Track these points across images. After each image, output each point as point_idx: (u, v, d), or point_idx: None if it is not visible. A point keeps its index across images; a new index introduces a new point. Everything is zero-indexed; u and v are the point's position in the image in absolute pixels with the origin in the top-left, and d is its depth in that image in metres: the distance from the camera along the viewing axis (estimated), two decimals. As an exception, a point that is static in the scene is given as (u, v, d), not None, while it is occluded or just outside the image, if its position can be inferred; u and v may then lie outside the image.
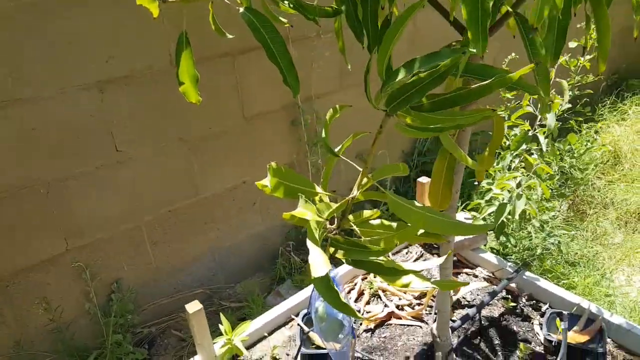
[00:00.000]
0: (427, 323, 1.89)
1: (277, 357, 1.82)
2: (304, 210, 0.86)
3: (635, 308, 2.05)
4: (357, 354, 1.72)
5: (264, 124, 2.43)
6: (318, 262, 0.77)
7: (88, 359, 2.05)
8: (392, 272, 0.91)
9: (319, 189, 1.02)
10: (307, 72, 2.50)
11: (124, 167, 2.05)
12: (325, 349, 1.76)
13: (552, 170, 1.87)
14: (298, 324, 1.88)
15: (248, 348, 1.88)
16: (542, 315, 1.89)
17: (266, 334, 1.93)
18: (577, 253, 2.45)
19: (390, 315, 1.96)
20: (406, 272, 0.91)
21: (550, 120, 1.87)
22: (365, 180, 1.02)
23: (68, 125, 1.85)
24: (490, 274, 2.20)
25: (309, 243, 0.84)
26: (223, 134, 2.30)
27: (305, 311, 1.94)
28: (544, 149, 1.86)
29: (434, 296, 2.01)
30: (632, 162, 3.55)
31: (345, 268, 2.16)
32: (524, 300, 2.01)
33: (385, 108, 0.91)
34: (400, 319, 1.94)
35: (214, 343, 1.75)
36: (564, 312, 1.79)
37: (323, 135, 1.07)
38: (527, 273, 2.08)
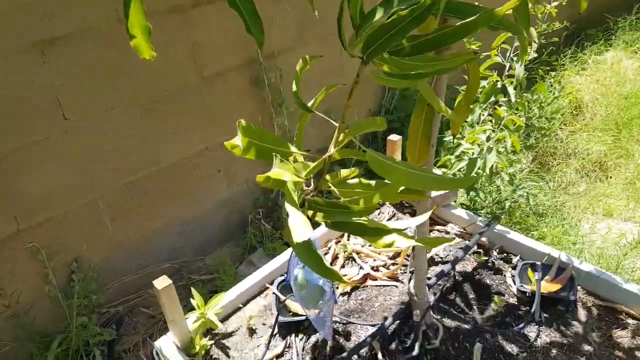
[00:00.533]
0: (402, 282, 1.90)
1: (254, 327, 1.79)
2: (280, 171, 0.79)
3: (602, 255, 2.12)
4: (335, 318, 1.70)
5: (224, 83, 2.31)
6: (299, 226, 0.72)
7: (52, 344, 1.96)
8: (376, 232, 0.86)
9: (293, 149, 0.96)
10: (268, 27, 2.37)
11: (74, 137, 1.90)
12: (303, 315, 1.73)
13: (522, 122, 1.87)
14: (273, 293, 1.85)
15: (222, 321, 1.83)
16: (513, 268, 1.93)
17: (241, 305, 1.88)
18: (544, 204, 2.51)
19: (366, 277, 1.95)
20: (390, 231, 0.87)
21: (519, 70, 1.85)
22: (342, 136, 0.96)
23: (6, 94, 1.68)
24: (462, 230, 2.22)
25: (287, 206, 0.78)
26: (179, 95, 2.16)
27: (280, 279, 1.90)
28: (513, 99, 1.85)
29: (408, 255, 2.01)
30: (592, 111, 3.64)
31: (319, 231, 2.12)
32: (495, 253, 2.04)
33: (362, 54, 0.84)
34: (376, 280, 1.94)
35: (186, 318, 1.69)
36: (535, 262, 1.83)
37: (294, 88, 1.00)
38: (498, 226, 2.10)
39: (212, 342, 1.74)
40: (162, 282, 1.58)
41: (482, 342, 1.56)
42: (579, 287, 1.79)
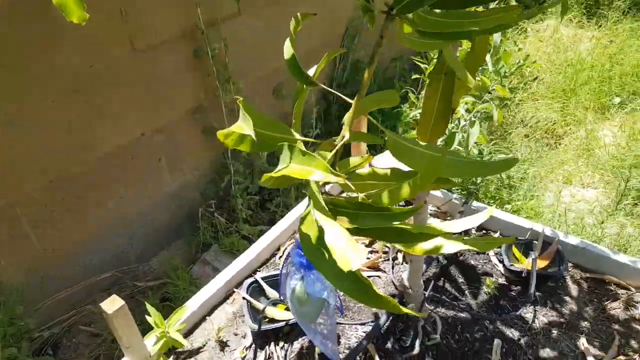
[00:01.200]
0: (385, 272, 1.77)
1: (224, 339, 1.58)
2: (304, 167, 0.59)
3: (581, 225, 2.13)
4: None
5: (161, 56, 2.01)
6: (345, 247, 0.53)
7: (-28, 386, 1.63)
8: (419, 238, 0.70)
9: (297, 135, 0.76)
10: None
11: (-24, 131, 1.55)
12: (280, 321, 1.55)
13: (506, 92, 1.78)
14: (243, 298, 1.64)
15: (186, 336, 1.60)
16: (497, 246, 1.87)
17: (205, 315, 1.66)
18: (513, 176, 2.48)
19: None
20: (435, 234, 0.71)
21: (496, 38, 1.74)
22: (353, 120, 0.77)
23: None
24: (437, 209, 2.13)
25: (317, 216, 0.59)
26: (108, 73, 1.85)
27: (249, 281, 1.70)
28: (491, 68, 1.75)
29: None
30: (538, 80, 3.71)
31: (285, 223, 1.93)
32: (474, 231, 1.97)
33: (393, 6, 0.66)
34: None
35: (145, 340, 1.45)
36: (532, 240, 1.77)
37: (289, 53, 0.79)
38: (475, 203, 2.04)
39: (178, 363, 1.51)
40: (112, 305, 1.32)
41: (481, 330, 1.47)
42: (564, 261, 1.76)
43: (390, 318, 1.49)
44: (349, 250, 0.53)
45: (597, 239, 2.02)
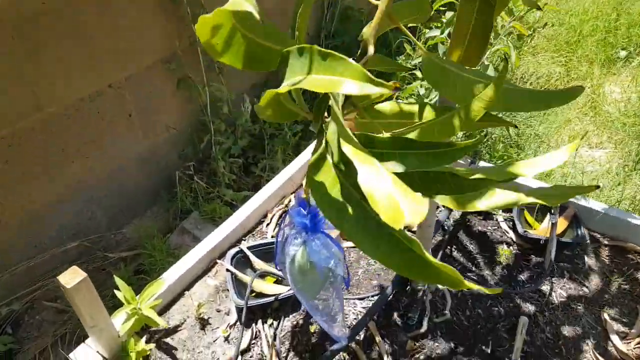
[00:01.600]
0: (384, 239, 1.61)
1: (205, 317, 1.42)
2: (333, 78, 0.41)
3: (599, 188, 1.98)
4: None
5: (128, -2, 1.76)
6: (396, 193, 0.36)
7: None
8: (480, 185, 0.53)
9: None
10: None
11: None
12: (269, 296, 1.39)
13: (525, 31, 1.58)
14: (227, 270, 1.47)
15: (162, 313, 1.44)
16: (504, 210, 1.72)
17: (184, 290, 1.49)
18: (522, 133, 2.32)
19: (339, 237, 1.64)
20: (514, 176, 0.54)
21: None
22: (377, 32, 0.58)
23: None
24: (438, 170, 1.97)
25: (350, 151, 0.41)
26: (67, 10, 1.59)
27: (233, 251, 1.52)
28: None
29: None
30: (539, 32, 3.50)
31: (272, 186, 1.74)
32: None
33: None
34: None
35: (113, 318, 1.28)
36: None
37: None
38: (481, 163, 1.87)
39: (153, 345, 1.35)
40: (72, 277, 1.14)
41: (494, 305, 1.33)
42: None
43: (394, 292, 1.34)
44: (399, 197, 0.35)
45: (616, 203, 1.88)
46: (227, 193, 2.14)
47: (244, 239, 1.66)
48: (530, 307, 1.34)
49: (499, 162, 2.03)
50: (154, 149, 2.09)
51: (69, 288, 1.12)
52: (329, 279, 0.93)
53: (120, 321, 1.31)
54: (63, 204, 1.83)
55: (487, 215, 1.72)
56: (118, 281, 1.33)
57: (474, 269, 1.46)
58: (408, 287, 1.33)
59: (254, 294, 1.42)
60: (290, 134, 2.32)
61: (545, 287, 1.40)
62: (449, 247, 1.53)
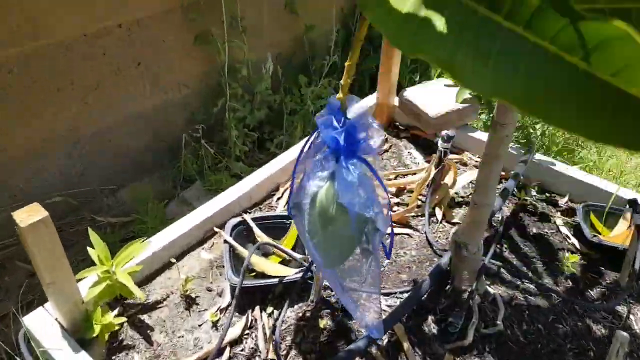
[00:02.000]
0: (416, 229, 1.35)
1: (192, 295, 1.17)
2: None
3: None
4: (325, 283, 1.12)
5: None
6: None
7: None
8: None
9: None
10: None
11: None
12: (272, 277, 1.13)
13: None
14: (225, 241, 1.22)
15: (142, 284, 1.19)
16: (564, 213, 1.44)
17: (172, 260, 1.24)
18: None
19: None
20: None
21: None
22: None
23: None
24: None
25: None
26: None
27: (235, 221, 1.28)
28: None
29: (426, 188, 1.45)
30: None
31: (289, 156, 1.50)
32: (533, 192, 1.55)
33: None
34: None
35: (80, 280, 1.04)
36: (618, 206, 1.35)
37: None
38: (538, 155, 1.61)
39: (124, 319, 1.10)
40: (29, 215, 0.91)
41: (558, 321, 1.05)
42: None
43: (431, 288, 1.06)
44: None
45: None
46: (237, 166, 1.90)
47: (249, 211, 1.41)
48: (602, 330, 1.06)
49: (557, 157, 1.76)
50: (163, 106, 1.86)
51: (24, 227, 0.88)
52: (363, 239, 0.66)
53: (87, 285, 1.07)
54: (50, 151, 1.61)
55: (543, 215, 1.44)
56: (92, 236, 1.09)
57: (531, 274, 1.18)
58: (449, 285, 1.06)
59: (253, 274, 1.17)
60: (313, 109, 2.08)
61: (621, 308, 1.12)
62: (498, 245, 1.26)
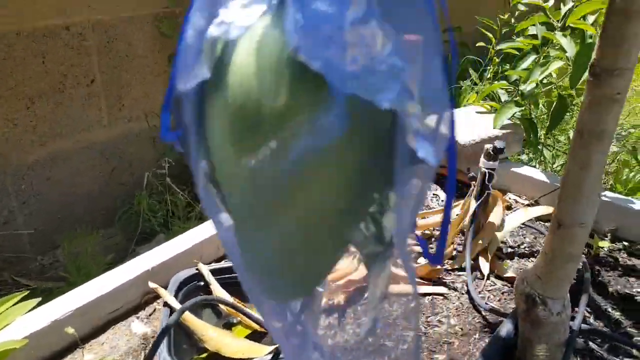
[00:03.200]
0: (454, 288, 0.94)
1: (107, 389, 0.75)
2: None
3: None
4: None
5: None
6: None
7: None
8: None
9: None
10: None
11: None
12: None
13: None
14: (165, 304, 0.82)
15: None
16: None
17: (88, 337, 0.84)
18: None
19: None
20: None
21: None
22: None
23: None
24: (533, 202, 1.32)
25: None
26: None
27: (185, 274, 0.88)
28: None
29: (460, 235, 1.06)
30: None
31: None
32: (606, 239, 1.15)
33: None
34: (399, 283, 0.95)
35: None
36: None
37: None
38: (608, 193, 1.23)
39: None
40: None
41: None
42: None
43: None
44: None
45: None
46: (214, 214, 1.52)
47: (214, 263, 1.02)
48: None
49: (630, 195, 1.36)
50: (122, 137, 1.53)
51: None
52: (369, 210, 0.26)
53: None
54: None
55: (625, 269, 1.04)
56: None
57: (634, 352, 0.76)
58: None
59: (204, 356, 0.75)
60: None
61: None
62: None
